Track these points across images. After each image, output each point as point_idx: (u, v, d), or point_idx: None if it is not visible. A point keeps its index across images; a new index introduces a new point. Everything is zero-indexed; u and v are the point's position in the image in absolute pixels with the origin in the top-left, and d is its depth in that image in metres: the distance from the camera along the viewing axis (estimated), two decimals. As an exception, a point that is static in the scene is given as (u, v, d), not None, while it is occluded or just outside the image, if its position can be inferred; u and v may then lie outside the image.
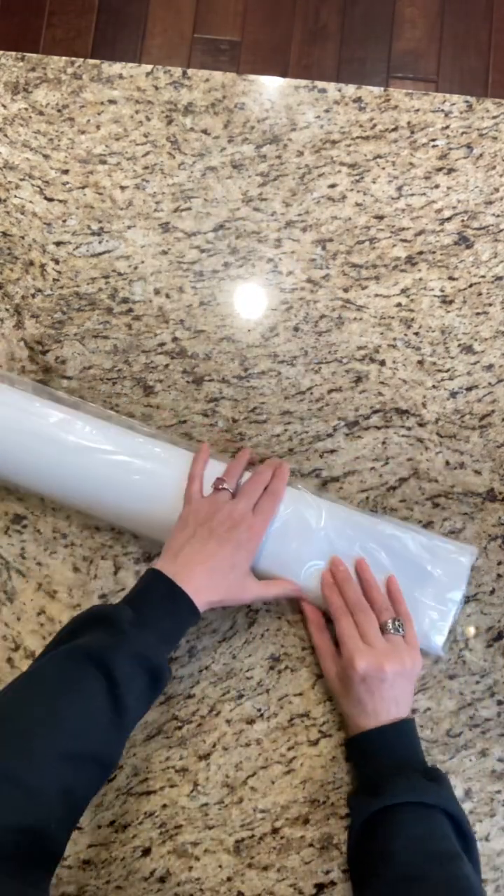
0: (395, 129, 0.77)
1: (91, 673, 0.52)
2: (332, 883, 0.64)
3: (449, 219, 0.76)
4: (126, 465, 0.65)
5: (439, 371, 0.73)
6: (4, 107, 0.79)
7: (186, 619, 0.59)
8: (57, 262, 0.76)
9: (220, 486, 0.64)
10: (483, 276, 0.75)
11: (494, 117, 0.78)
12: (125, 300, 0.75)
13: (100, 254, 0.76)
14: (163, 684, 0.57)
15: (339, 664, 0.63)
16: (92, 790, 0.52)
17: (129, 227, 0.76)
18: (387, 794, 0.56)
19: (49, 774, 0.48)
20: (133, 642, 0.54)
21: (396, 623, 0.63)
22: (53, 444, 0.65)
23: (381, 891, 0.54)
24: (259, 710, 0.67)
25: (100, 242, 0.76)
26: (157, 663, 0.55)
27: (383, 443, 0.72)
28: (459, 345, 0.74)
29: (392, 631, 0.63)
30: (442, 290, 0.75)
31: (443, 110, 0.78)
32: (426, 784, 0.57)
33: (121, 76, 0.79)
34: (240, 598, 0.62)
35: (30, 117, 0.78)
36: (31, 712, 0.50)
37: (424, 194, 0.76)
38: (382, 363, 0.74)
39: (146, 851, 0.65)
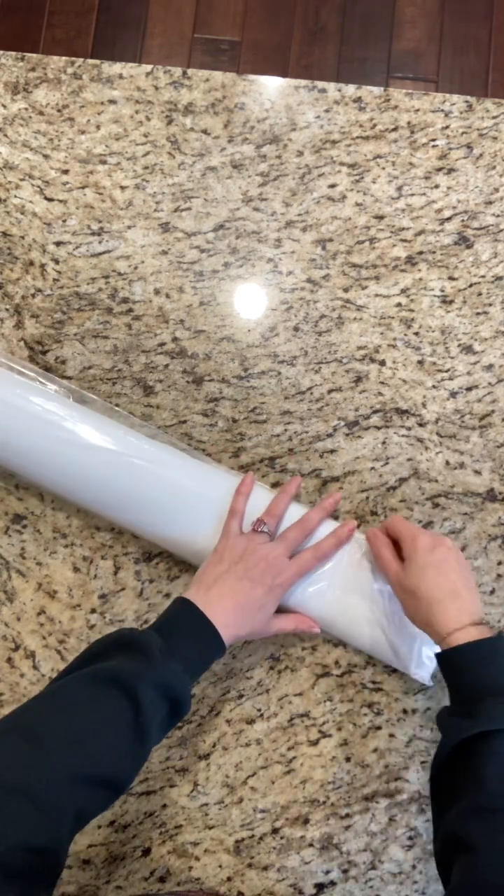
0: (395, 129, 0.77)
1: (117, 697, 0.52)
2: (332, 883, 0.64)
3: (449, 219, 0.76)
4: (135, 467, 0.65)
5: (439, 371, 0.73)
6: (4, 107, 0.79)
7: (212, 653, 0.59)
8: (57, 262, 0.76)
9: (260, 529, 0.64)
10: (483, 276, 0.75)
11: (494, 117, 0.78)
12: (125, 300, 0.75)
13: (100, 254, 0.76)
14: (182, 716, 0.57)
15: (402, 564, 0.61)
16: (99, 812, 0.52)
17: (129, 227, 0.76)
18: (483, 718, 0.53)
19: (65, 795, 0.48)
20: (161, 670, 0.54)
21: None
22: (60, 440, 0.65)
23: (465, 814, 0.52)
24: (259, 710, 0.67)
25: (100, 242, 0.76)
26: (181, 694, 0.55)
27: (383, 443, 0.72)
28: (459, 345, 0.74)
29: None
30: (442, 290, 0.75)
31: (443, 110, 0.78)
32: None
33: (121, 76, 0.79)
34: (261, 635, 0.63)
35: (30, 117, 0.78)
36: (55, 731, 0.50)
37: (424, 194, 0.76)
38: (382, 363, 0.73)
39: (146, 851, 0.65)
